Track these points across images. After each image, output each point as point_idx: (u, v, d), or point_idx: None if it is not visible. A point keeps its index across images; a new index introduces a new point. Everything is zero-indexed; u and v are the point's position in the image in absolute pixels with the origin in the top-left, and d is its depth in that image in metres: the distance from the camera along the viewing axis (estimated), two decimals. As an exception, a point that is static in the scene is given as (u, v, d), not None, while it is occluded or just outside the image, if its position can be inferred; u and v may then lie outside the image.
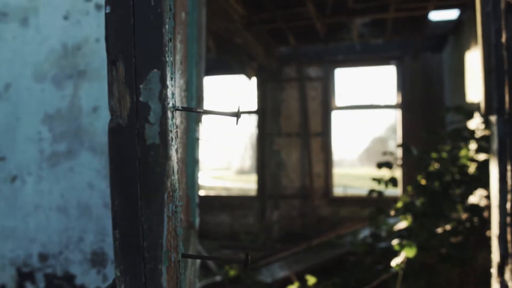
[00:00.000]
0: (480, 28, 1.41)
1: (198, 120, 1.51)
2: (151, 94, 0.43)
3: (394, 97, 6.61)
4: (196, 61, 1.46)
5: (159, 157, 0.43)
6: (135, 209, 0.42)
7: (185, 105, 1.23)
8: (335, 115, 6.85)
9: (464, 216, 2.74)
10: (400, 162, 5.89)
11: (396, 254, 2.77)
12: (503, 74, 1.35)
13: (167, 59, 0.46)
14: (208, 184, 18.75)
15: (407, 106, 6.40)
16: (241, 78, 6.93)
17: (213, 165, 31.98)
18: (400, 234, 3.13)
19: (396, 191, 6.31)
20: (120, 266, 0.42)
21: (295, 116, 6.76)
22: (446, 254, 2.63)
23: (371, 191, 3.55)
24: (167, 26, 0.47)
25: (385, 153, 3.65)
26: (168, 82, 0.47)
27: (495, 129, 1.40)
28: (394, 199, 4.29)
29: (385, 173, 3.59)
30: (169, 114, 0.47)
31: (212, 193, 8.86)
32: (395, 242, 2.29)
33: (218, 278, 4.42)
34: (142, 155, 0.43)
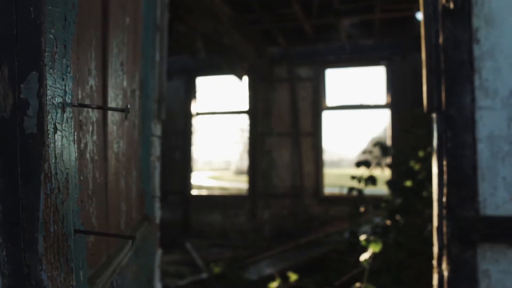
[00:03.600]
0: (423, 30, 1.49)
1: (157, 119, 1.59)
2: (30, 92, 0.52)
3: (384, 97, 6.69)
4: (153, 62, 1.54)
5: (36, 144, 0.51)
6: (16, 187, 0.51)
7: (136, 104, 1.32)
8: (327, 115, 6.93)
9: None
10: (389, 161, 5.96)
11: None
12: (440, 74, 1.43)
13: (51, 63, 0.55)
14: (207, 184, 18.85)
15: (396, 106, 6.47)
16: (232, 78, 7.01)
17: (213, 166, 32.07)
18: (375, 231, 3.21)
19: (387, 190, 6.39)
20: (3, 234, 0.51)
21: (286, 116, 6.85)
22: (416, 249, 2.71)
23: (351, 189, 3.63)
24: (51, 36, 0.55)
25: (364, 152, 3.73)
26: (52, 82, 0.55)
27: (435, 126, 1.48)
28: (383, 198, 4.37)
29: (378, 171, 3.67)
30: (53, 109, 0.55)
31: (204, 192, 8.94)
32: (362, 238, 2.37)
33: (204, 275, 4.51)
34: (22, 142, 0.51)
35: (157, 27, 1.63)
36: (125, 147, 1.14)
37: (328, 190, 7.89)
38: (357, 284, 2.34)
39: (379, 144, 3.37)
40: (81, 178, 0.72)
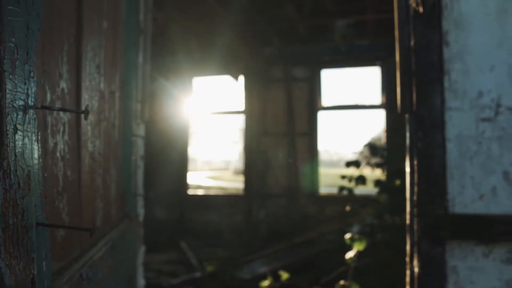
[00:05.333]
0: (396, 32, 1.54)
1: (140, 119, 1.64)
2: (-11, 96, 0.56)
3: (379, 97, 6.73)
4: (136, 64, 1.59)
5: (-5, 144, 0.56)
6: (-24, 183, 0.56)
7: (116, 105, 1.37)
8: (322, 116, 6.98)
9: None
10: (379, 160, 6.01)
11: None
12: (412, 75, 1.47)
13: (11, 69, 0.60)
14: (206, 184, 18.90)
15: (391, 106, 6.51)
16: (228, 79, 7.05)
17: (212, 166, 32.17)
18: (364, 230, 3.25)
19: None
20: (-36, 226, 0.56)
21: (281, 116, 6.89)
22: (402, 248, 2.76)
23: (341, 188, 3.68)
24: (11, 44, 0.60)
25: (355, 152, 3.77)
26: (12, 86, 0.60)
27: (407, 127, 1.52)
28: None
29: (371, 171, 3.71)
30: (13, 111, 0.60)
31: (201, 192, 8.99)
32: (347, 236, 2.41)
33: (198, 274, 4.56)
34: (-18, 142, 0.56)
35: (141, 30, 1.68)
36: (103, 147, 1.19)
37: (327, 190, 7.94)
38: (342, 282, 2.38)
39: (369, 144, 3.41)
40: (46, 175, 0.77)
